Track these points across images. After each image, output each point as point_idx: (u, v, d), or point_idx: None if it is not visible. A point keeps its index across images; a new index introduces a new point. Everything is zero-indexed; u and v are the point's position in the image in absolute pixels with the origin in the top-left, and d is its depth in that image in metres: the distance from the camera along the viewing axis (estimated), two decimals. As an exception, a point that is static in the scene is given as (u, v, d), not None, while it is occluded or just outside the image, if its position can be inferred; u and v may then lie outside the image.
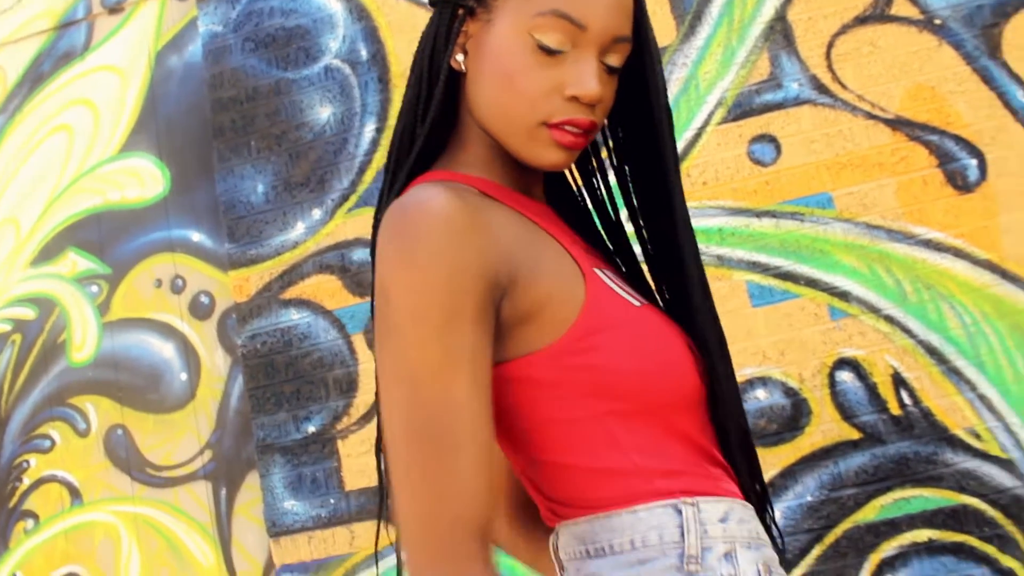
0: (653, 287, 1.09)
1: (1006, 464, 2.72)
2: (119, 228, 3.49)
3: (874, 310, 2.85)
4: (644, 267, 1.10)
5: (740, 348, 2.84)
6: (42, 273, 3.54)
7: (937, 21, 2.94)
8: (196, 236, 3.43)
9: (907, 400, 2.79)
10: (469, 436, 0.83)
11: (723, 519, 0.93)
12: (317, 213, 3.25)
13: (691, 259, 1.03)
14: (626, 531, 0.91)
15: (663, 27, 3.06)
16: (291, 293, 3.23)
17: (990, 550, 2.69)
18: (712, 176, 3.00)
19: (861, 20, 2.98)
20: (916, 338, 2.82)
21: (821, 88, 2.98)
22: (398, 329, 0.85)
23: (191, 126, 3.48)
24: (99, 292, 3.48)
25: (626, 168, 1.08)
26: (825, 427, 2.82)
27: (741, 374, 2.82)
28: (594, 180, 1.11)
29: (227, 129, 3.34)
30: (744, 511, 0.96)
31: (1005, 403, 2.75)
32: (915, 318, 2.83)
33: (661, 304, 1.07)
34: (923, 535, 2.72)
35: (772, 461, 2.81)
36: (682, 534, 0.91)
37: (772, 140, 2.98)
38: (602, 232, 1.12)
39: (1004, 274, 2.81)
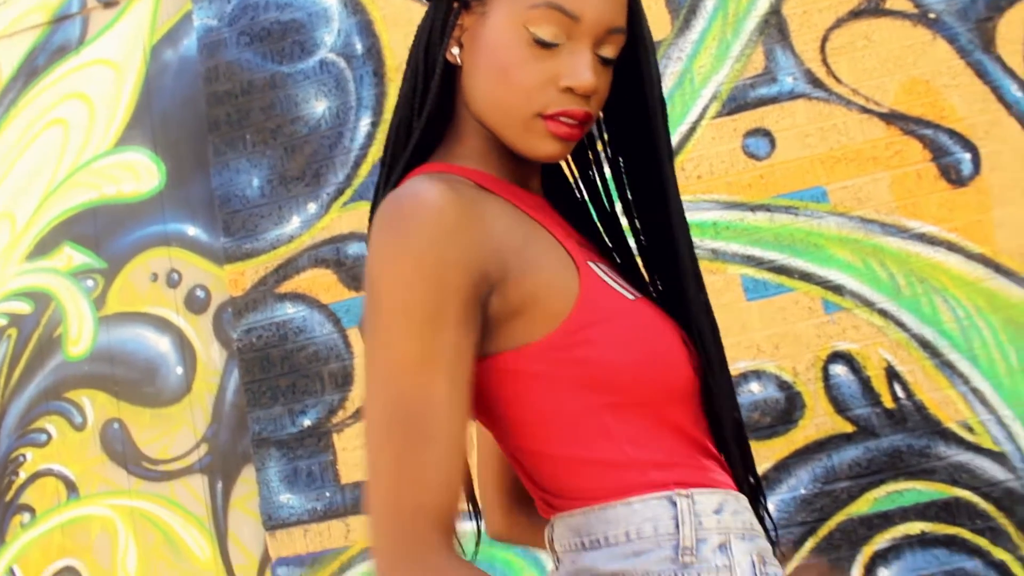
0: (647, 280, 1.09)
1: (999, 457, 2.73)
2: (115, 222, 3.49)
3: (868, 304, 2.86)
4: (639, 260, 1.11)
5: (734, 341, 2.84)
6: (38, 267, 3.54)
7: (931, 15, 2.94)
8: (192, 230, 3.43)
9: (900, 393, 2.80)
10: (442, 431, 0.84)
11: (717, 510, 0.93)
12: (312, 207, 3.25)
13: (685, 252, 1.03)
14: (621, 523, 0.92)
15: (658, 21, 3.06)
16: (287, 287, 3.23)
17: (982, 543, 2.70)
18: (707, 170, 3.01)
19: (855, 14, 2.99)
20: (910, 332, 2.83)
21: (815, 82, 2.98)
22: (383, 321, 0.86)
23: (186, 120, 3.48)
24: (95, 286, 3.47)
25: (620, 160, 1.08)
26: (819, 420, 2.83)
27: (735, 367, 2.82)
28: (590, 173, 1.11)
29: (222, 123, 3.34)
30: (738, 503, 0.96)
31: (998, 396, 2.76)
32: (909, 312, 2.84)
33: (655, 297, 1.07)
34: (916, 528, 2.73)
35: (766, 454, 2.82)
36: (677, 526, 0.91)
37: (766, 134, 2.99)
38: (598, 225, 1.12)
39: (997, 268, 2.82)
